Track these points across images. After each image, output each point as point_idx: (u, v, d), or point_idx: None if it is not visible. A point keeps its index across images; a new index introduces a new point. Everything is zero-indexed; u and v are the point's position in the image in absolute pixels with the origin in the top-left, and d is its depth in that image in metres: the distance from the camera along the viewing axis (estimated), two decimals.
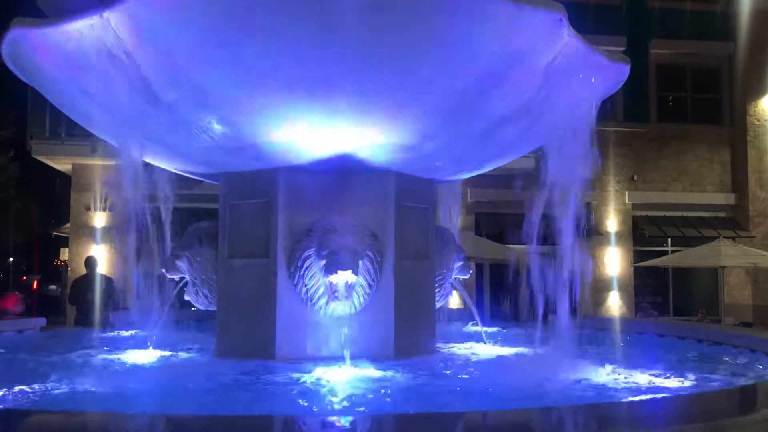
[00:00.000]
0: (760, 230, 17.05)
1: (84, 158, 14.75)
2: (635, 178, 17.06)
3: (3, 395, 3.55)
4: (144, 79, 3.99)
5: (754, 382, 3.96)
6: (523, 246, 14.27)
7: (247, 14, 3.64)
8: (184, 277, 5.34)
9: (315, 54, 3.79)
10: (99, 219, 15.39)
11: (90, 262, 10.40)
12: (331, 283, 4.63)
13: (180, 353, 5.22)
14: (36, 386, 3.76)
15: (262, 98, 4.11)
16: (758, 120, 17.48)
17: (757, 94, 17.45)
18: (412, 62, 3.90)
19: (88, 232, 15.29)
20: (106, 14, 3.77)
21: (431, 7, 3.65)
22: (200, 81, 3.99)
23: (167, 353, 5.16)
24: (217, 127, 4.35)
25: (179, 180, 5.76)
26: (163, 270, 5.27)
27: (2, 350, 5.49)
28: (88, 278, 9.84)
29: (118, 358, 5.04)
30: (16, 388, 3.66)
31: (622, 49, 16.12)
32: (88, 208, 15.43)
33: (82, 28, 3.92)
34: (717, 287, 16.58)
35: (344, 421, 3.01)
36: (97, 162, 14.56)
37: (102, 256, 13.86)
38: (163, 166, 5.43)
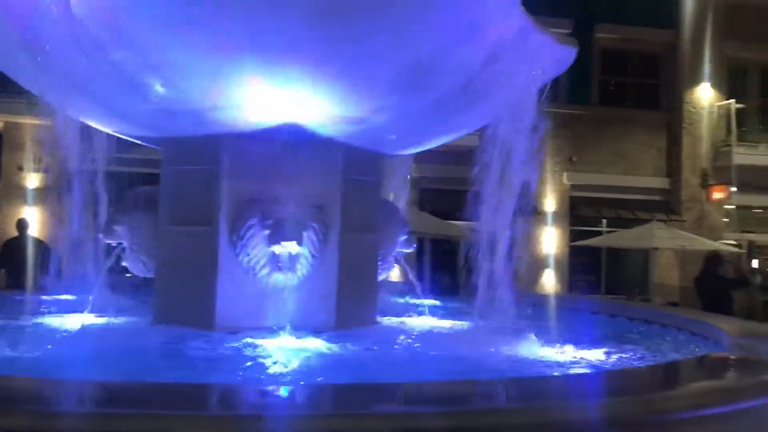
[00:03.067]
0: (691, 214, 17.71)
1: (16, 116, 14.22)
2: (574, 159, 17.45)
3: None
4: (88, 37, 3.85)
5: (679, 359, 4.14)
6: (465, 222, 14.48)
7: None
8: (121, 243, 5.22)
9: (264, 18, 3.72)
10: (32, 180, 14.91)
11: (22, 224, 10.11)
12: (274, 253, 4.61)
13: (116, 319, 5.13)
14: None
15: (208, 62, 4.01)
16: (694, 108, 18.06)
17: (694, 82, 18.02)
18: (366, 32, 3.87)
19: (20, 192, 14.81)
20: None
21: None
22: (145, 42, 3.87)
23: (103, 319, 5.06)
24: (161, 90, 4.24)
25: (118, 143, 5.60)
26: (101, 235, 5.14)
27: None
28: (19, 240, 9.55)
29: (52, 323, 4.92)
30: None
31: (569, 31, 16.36)
32: (20, 168, 14.92)
33: None
34: (648, 268, 17.22)
35: (283, 391, 3.02)
36: (30, 120, 14.04)
37: (34, 218, 13.43)
38: (103, 129, 5.26)
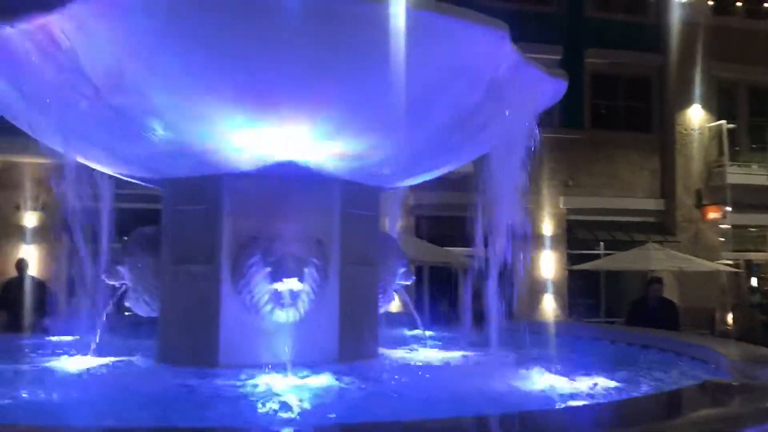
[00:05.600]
0: (686, 235, 17.80)
1: (13, 156, 14.28)
2: (570, 183, 17.57)
3: None
4: (89, 85, 3.93)
5: (679, 387, 4.17)
6: (462, 249, 14.51)
7: (190, 19, 3.64)
8: (124, 283, 5.25)
9: (260, 62, 3.82)
10: (30, 219, 14.92)
11: (21, 265, 10.13)
12: (276, 290, 4.64)
13: (119, 360, 5.14)
14: None
15: (206, 105, 4.09)
16: (685, 129, 18.25)
17: (685, 105, 18.23)
18: (358, 73, 3.96)
19: (18, 232, 14.82)
20: (49, 17, 3.71)
21: (378, 21, 3.73)
22: (145, 87, 3.96)
23: (106, 360, 5.07)
24: (161, 133, 4.32)
25: (118, 179, 5.66)
26: (104, 276, 5.18)
27: None
28: (19, 281, 9.57)
29: (56, 365, 4.94)
30: None
31: (559, 57, 16.60)
32: (18, 207, 14.94)
33: (24, 30, 3.84)
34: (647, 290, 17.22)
35: (287, 431, 3.05)
36: (27, 160, 14.12)
37: (33, 257, 13.44)
38: (103, 170, 5.33)
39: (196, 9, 3.62)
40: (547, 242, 17.17)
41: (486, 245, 5.04)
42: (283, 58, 3.78)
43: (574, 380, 4.45)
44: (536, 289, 16.91)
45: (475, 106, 4.39)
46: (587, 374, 4.56)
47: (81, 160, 4.94)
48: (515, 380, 4.44)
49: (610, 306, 17.73)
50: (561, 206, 17.51)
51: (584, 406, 3.73)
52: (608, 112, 19.03)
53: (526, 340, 6.23)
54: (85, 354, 5.16)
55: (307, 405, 3.78)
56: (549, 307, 17.02)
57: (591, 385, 4.28)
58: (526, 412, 3.54)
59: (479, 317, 5.43)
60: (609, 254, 16.77)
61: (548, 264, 17.17)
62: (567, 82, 4.88)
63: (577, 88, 17.39)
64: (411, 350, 5.97)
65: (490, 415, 3.19)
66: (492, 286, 5.05)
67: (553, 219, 17.40)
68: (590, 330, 7.85)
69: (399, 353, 5.79)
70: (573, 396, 4.04)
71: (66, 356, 5.31)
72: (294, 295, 4.69)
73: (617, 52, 18.01)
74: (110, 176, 5.47)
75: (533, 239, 16.63)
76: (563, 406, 3.82)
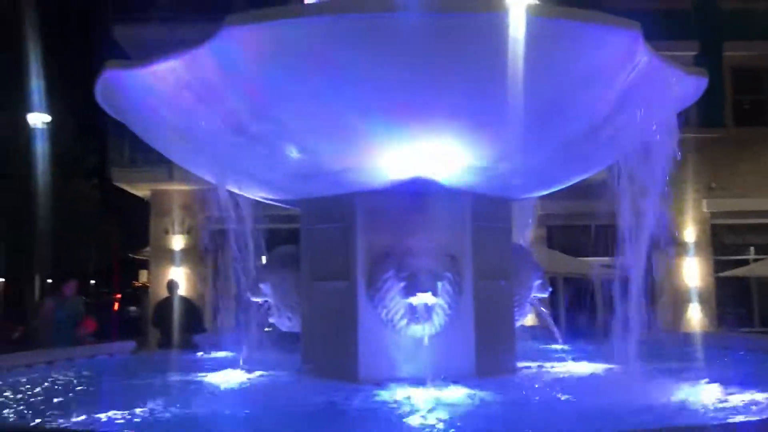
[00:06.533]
0: None
1: (162, 184, 15.35)
2: (713, 185, 16.55)
3: (111, 419, 3.75)
4: (228, 114, 4.18)
5: None
6: (598, 258, 14.04)
7: (322, 51, 3.79)
8: (267, 300, 5.50)
9: (389, 82, 3.90)
10: (177, 242, 15.94)
11: (172, 285, 10.81)
12: (411, 304, 4.69)
13: (266, 374, 5.37)
14: (138, 410, 3.96)
15: (340, 127, 4.24)
16: None
17: None
18: (487, 85, 3.95)
19: (167, 254, 15.84)
20: (191, 54, 3.98)
21: (501, 31, 3.70)
22: (282, 114, 4.16)
23: (254, 375, 5.32)
24: (297, 156, 4.51)
25: (257, 202, 5.94)
26: (248, 294, 5.45)
27: (99, 374, 5.76)
28: (171, 301, 10.21)
29: (207, 380, 5.23)
30: (119, 413, 3.86)
31: (695, 53, 15.76)
32: (166, 232, 16.00)
33: (168, 67, 4.14)
34: None
35: None
36: (174, 187, 15.12)
37: (181, 278, 14.31)
38: (244, 194, 5.62)
39: (325, 38, 3.76)
40: (691, 249, 16.24)
41: (625, 254, 4.86)
42: (410, 77, 3.84)
43: (726, 394, 4.18)
44: (681, 298, 16.01)
45: (608, 111, 4.25)
46: (741, 388, 4.27)
47: (225, 186, 5.24)
48: (661, 393, 4.23)
49: (765, 315, 16.47)
50: (704, 210, 16.51)
51: (740, 422, 3.50)
52: (752, 107, 17.78)
53: (671, 351, 5.93)
54: (234, 369, 5.44)
55: (447, 419, 3.78)
56: (695, 317, 16.06)
57: (746, 400, 4.00)
58: (675, 426, 3.38)
59: (619, 329, 5.24)
60: (760, 259, 15.60)
61: (692, 271, 16.22)
62: (707, 79, 4.63)
63: (716, 84, 16.35)
64: (550, 364, 5.83)
65: (635, 429, 3.07)
66: (633, 296, 4.85)
67: (696, 224, 16.45)
68: (742, 340, 7.34)
69: (537, 367, 5.67)
70: (724, 410, 3.80)
71: (216, 371, 5.61)
72: (428, 310, 4.72)
73: (758, 43, 16.81)
74: (251, 199, 5.76)
75: (675, 246, 15.78)
76: (716, 421, 3.60)
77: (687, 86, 4.60)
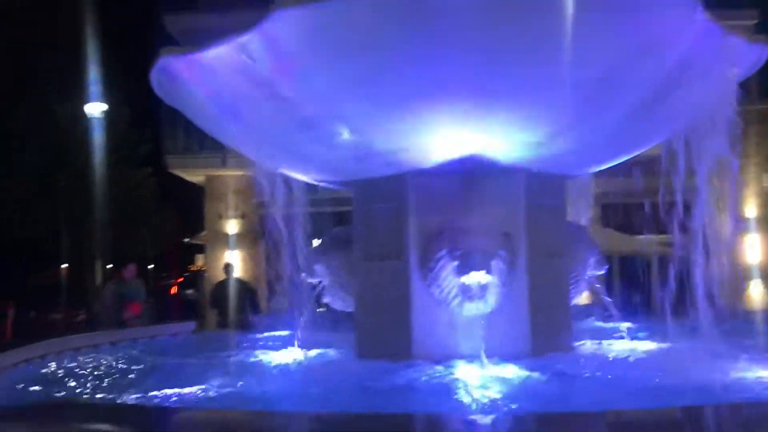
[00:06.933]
0: None
1: (216, 170, 15.60)
2: None
3: (179, 395, 3.88)
4: (282, 97, 4.22)
5: None
6: (654, 236, 13.68)
7: (373, 30, 3.79)
8: (321, 281, 5.57)
9: (440, 60, 3.87)
10: (232, 226, 16.19)
11: (227, 268, 11.01)
12: (464, 283, 4.68)
13: (322, 353, 5.46)
14: (203, 387, 4.09)
15: (391, 107, 4.24)
16: None
17: None
18: (540, 58, 3.89)
19: (222, 238, 16.10)
20: (243, 37, 4.03)
21: (554, 2, 3.64)
22: (333, 95, 4.18)
23: (310, 353, 5.41)
24: (349, 138, 4.53)
25: (310, 185, 5.99)
26: (303, 274, 5.53)
27: (162, 353, 5.94)
28: (227, 283, 10.41)
29: (265, 359, 5.34)
30: (185, 390, 3.99)
31: (755, 22, 15.17)
32: (221, 217, 16.26)
33: (221, 53, 4.20)
34: None
35: (486, 420, 3.07)
36: (228, 173, 15.36)
37: (236, 261, 14.54)
38: (296, 176, 5.67)
39: (375, 17, 3.75)
40: (752, 224, 15.74)
41: (682, 231, 4.75)
42: (462, 52, 3.81)
43: None
44: (741, 275, 15.55)
45: (666, 81, 4.14)
46: None
47: (277, 168, 5.31)
48: (720, 371, 4.14)
49: None
50: (765, 184, 15.97)
51: None
52: None
53: (731, 329, 5.80)
54: (290, 348, 5.54)
55: (502, 395, 3.78)
56: (756, 294, 15.59)
57: None
58: (738, 402, 3.31)
59: (678, 307, 5.14)
60: None
61: (753, 248, 15.74)
62: None
63: None
64: (606, 342, 5.76)
65: (700, 406, 3.02)
66: (693, 273, 4.75)
67: (757, 198, 15.93)
68: None
69: (594, 345, 5.61)
70: None
71: (273, 350, 5.73)
72: (482, 288, 4.71)
73: None
74: (303, 182, 5.82)
75: (736, 221, 15.31)
76: None
77: (748, 56, 4.45)
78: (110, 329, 8.35)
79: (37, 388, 4.19)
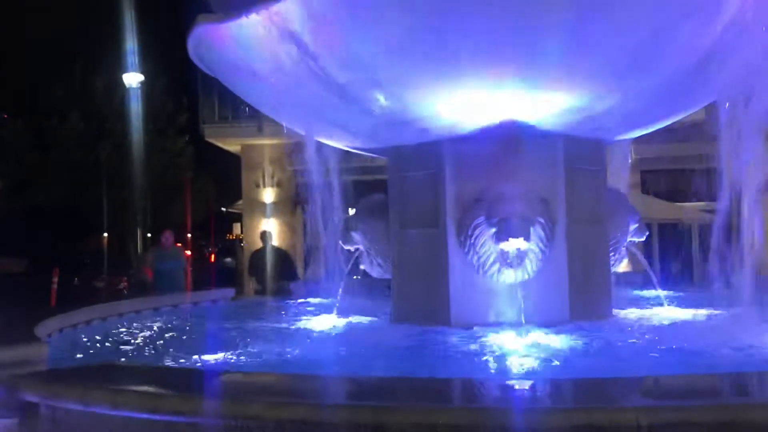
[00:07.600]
0: None
1: (252, 139, 15.67)
2: None
3: (223, 360, 3.97)
4: (318, 64, 4.21)
5: None
6: (695, 203, 13.41)
7: None
8: (358, 248, 5.60)
9: (477, 23, 3.81)
10: (268, 195, 16.31)
11: (265, 236, 11.10)
12: (502, 250, 4.67)
13: (360, 320, 5.51)
14: (245, 351, 4.18)
15: (427, 72, 4.19)
16: None
17: None
18: (580, 22, 3.80)
19: (259, 207, 16.25)
20: (279, 4, 4.01)
21: None
22: (370, 61, 4.15)
23: (349, 320, 5.47)
24: (385, 104, 4.50)
25: (345, 153, 5.99)
26: (340, 242, 5.57)
27: (204, 319, 6.07)
28: (264, 251, 10.51)
29: (305, 325, 5.42)
30: (228, 354, 4.08)
31: None
32: (257, 185, 16.39)
33: (258, 19, 4.18)
34: None
35: (523, 385, 3.08)
36: (263, 142, 15.43)
37: (273, 229, 14.67)
38: (333, 144, 5.68)
39: None
40: None
41: (724, 198, 4.65)
42: (500, 14, 3.74)
43: None
44: None
45: (710, 44, 4.02)
46: None
47: (314, 136, 5.31)
48: (761, 337, 4.08)
49: None
50: None
51: None
52: None
53: None
54: (328, 314, 5.60)
55: (540, 362, 3.78)
56: None
57: None
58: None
59: (719, 274, 5.05)
60: None
61: None
62: None
63: None
64: (647, 309, 5.71)
65: (739, 373, 2.99)
66: (736, 241, 4.65)
67: None
68: None
69: (635, 312, 5.56)
70: None
71: (311, 317, 5.80)
72: (520, 255, 4.69)
73: None
74: (339, 150, 5.82)
75: None
76: None
77: None
78: (152, 296, 8.51)
79: (82, 354, 4.30)
